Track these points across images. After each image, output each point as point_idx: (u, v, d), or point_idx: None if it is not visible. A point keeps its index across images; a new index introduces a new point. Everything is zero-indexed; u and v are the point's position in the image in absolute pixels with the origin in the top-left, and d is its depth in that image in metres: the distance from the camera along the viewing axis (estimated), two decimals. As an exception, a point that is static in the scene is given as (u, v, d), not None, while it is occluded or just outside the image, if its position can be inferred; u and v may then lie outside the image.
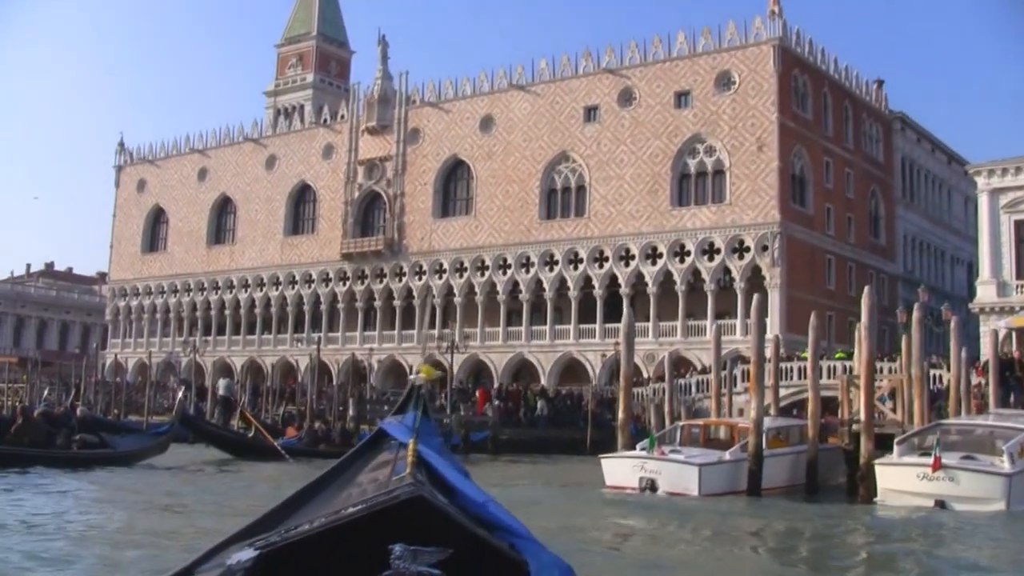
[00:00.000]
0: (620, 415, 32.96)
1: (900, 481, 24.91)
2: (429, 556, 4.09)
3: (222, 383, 56.20)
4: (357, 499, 4.40)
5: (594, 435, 48.61)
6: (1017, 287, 52.05)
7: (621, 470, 27.67)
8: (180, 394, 44.75)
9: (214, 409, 52.57)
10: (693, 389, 53.58)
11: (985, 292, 52.73)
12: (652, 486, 26.47)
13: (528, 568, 4.23)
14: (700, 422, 33.37)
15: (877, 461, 26.15)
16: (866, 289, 30.46)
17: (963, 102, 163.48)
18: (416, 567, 4.05)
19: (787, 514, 23.88)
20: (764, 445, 28.06)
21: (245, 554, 4.18)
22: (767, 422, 29.49)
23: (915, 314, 32.36)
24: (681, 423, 32.89)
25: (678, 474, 26.54)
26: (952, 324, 35.98)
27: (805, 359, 50.69)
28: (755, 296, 31.52)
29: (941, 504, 23.83)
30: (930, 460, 24.03)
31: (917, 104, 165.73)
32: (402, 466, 4.49)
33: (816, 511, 25.05)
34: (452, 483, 4.64)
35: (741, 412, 48.75)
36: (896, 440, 26.84)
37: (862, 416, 28.35)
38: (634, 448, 29.61)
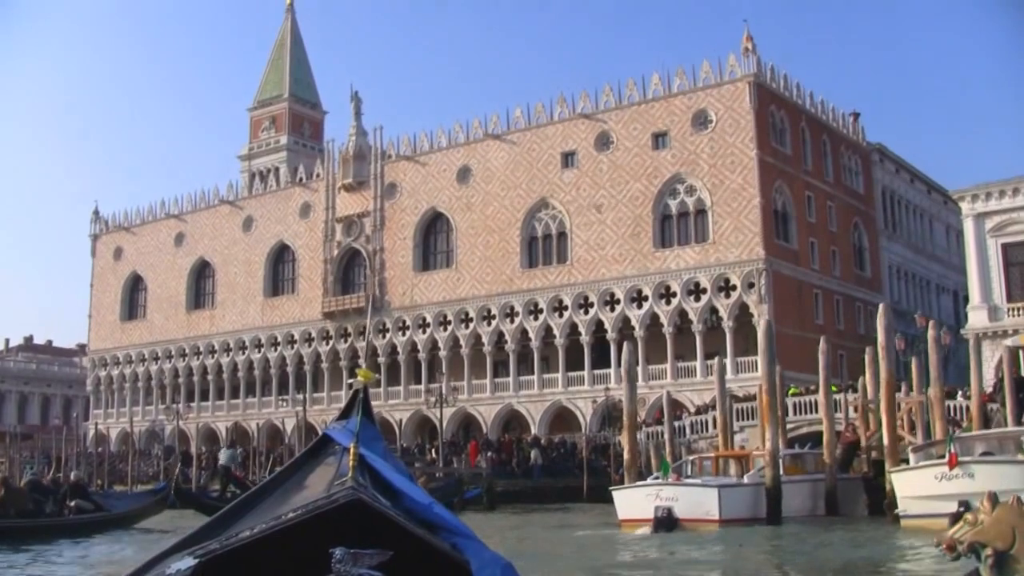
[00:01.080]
0: (626, 455, 32.21)
1: (918, 486, 23.84)
2: (369, 559, 4.09)
3: (224, 454, 54.87)
4: (299, 504, 4.36)
5: (590, 482, 47.82)
6: (1009, 310, 51.51)
7: (635, 501, 26.54)
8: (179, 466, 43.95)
9: (200, 476, 51.43)
10: (688, 430, 52.70)
11: (976, 317, 52.16)
12: (669, 515, 25.13)
13: (470, 566, 4.24)
14: (712, 454, 32.45)
15: (892, 470, 25.31)
16: (881, 307, 29.72)
17: (938, 132, 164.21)
18: (357, 570, 4.03)
19: (816, 538, 22.84)
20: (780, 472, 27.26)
21: (184, 563, 4.14)
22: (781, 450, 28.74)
23: (930, 332, 31.58)
24: (692, 457, 32.33)
25: (697, 499, 25.49)
26: (971, 342, 35.20)
27: (795, 394, 50.35)
28: (762, 322, 30.51)
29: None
30: (946, 460, 23.06)
31: (893, 135, 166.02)
32: (345, 469, 4.48)
33: (847, 537, 23.65)
34: (395, 486, 4.64)
35: (743, 448, 48.25)
36: (911, 448, 26.01)
37: (884, 439, 27.44)
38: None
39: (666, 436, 41.58)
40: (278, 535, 4.24)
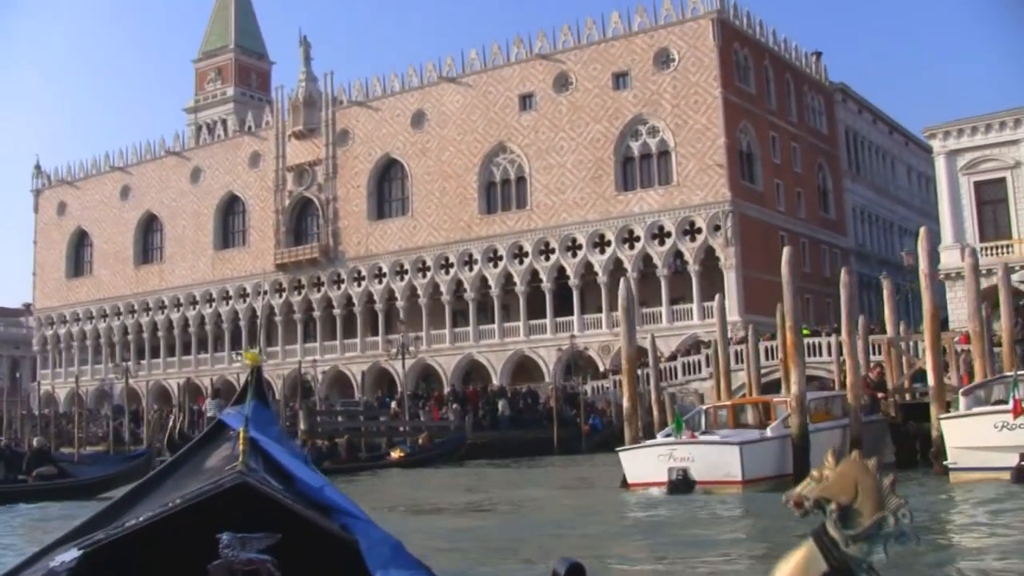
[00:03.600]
0: (625, 403, 28.34)
1: (974, 436, 21.41)
2: (257, 542, 4.01)
3: (211, 403, 52.78)
4: (190, 489, 4.31)
5: (560, 433, 46.40)
6: (982, 250, 50.34)
7: (645, 463, 23.54)
8: (172, 418, 41.98)
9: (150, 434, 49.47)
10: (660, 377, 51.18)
11: (949, 257, 50.89)
12: (684, 477, 22.37)
13: (359, 546, 4.19)
14: (728, 402, 29.32)
15: (942, 417, 23.10)
16: (922, 231, 26.61)
17: (899, 73, 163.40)
18: (245, 554, 3.94)
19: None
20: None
21: (69, 555, 4.03)
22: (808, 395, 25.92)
23: (967, 260, 28.73)
24: (705, 406, 29.30)
25: (716, 458, 22.60)
26: (1000, 272, 32.84)
27: (805, 335, 48.97)
28: (785, 250, 27.03)
29: None
30: (1008, 407, 20.70)
31: (855, 75, 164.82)
32: (237, 453, 4.41)
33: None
34: (288, 469, 4.59)
35: (702, 399, 46.84)
36: (961, 392, 23.77)
37: (930, 380, 25.24)
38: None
39: (652, 382, 39.29)
40: (167, 522, 4.17)
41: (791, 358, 25.32)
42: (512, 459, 41.38)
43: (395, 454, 37.56)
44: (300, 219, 76.17)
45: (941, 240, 53.96)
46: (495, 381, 61.74)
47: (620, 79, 61.73)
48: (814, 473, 3.57)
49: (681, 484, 22.25)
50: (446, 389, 60.94)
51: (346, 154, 72.81)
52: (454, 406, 49.52)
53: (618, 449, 25.42)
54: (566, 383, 55.66)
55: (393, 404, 52.21)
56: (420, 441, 40.51)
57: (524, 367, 64.11)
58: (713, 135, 58.15)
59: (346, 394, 68.07)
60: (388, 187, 72.08)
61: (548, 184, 63.24)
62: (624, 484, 24.17)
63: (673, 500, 21.24)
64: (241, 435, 4.55)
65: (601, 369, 58.73)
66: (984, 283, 46.91)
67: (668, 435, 24.33)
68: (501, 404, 49.99)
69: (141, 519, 4.23)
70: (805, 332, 49.26)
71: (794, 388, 24.39)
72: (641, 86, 60.83)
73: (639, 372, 53.28)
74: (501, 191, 66.06)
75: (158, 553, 4.38)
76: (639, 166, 61.25)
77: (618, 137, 61.17)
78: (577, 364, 59.28)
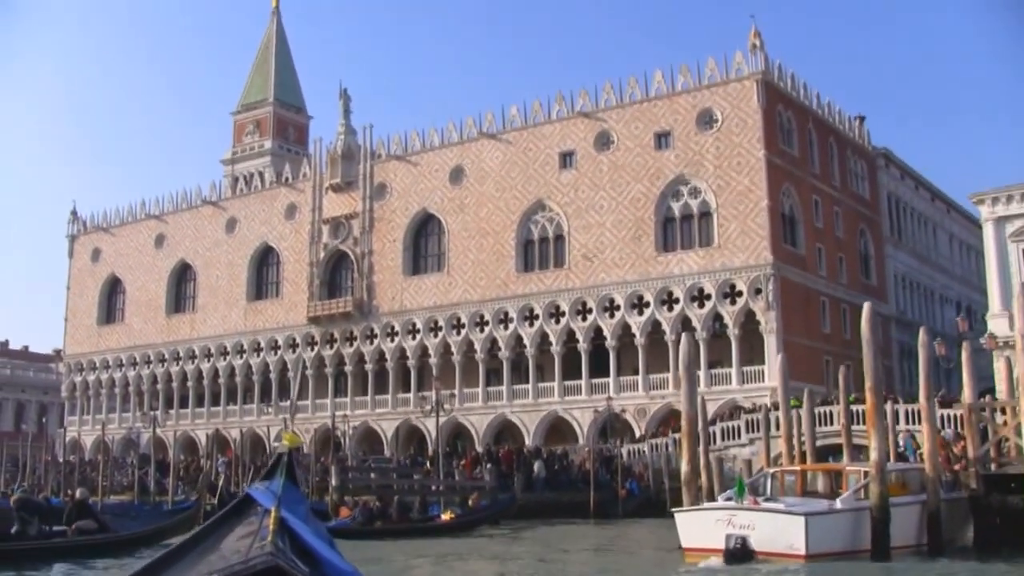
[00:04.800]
0: (684, 466, 26.76)
1: None
2: None
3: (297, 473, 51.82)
4: (218, 566, 4.27)
5: (596, 496, 45.32)
6: (1031, 319, 49.19)
7: (701, 526, 21.94)
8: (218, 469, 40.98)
9: (178, 487, 48.61)
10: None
11: (997, 325, 49.77)
12: (743, 546, 20.70)
13: None
14: (797, 467, 27.71)
15: None
16: (1019, 288, 25.11)
17: (941, 139, 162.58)
18: None
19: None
20: None
21: None
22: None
23: None
24: (772, 469, 27.52)
25: (779, 528, 20.85)
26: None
27: (796, 406, 47.77)
28: (865, 306, 25.14)
29: None
30: None
31: (896, 141, 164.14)
32: (265, 532, 4.43)
33: None
34: (316, 551, 4.51)
35: (748, 464, 45.57)
36: None
37: None
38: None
39: (701, 445, 36.67)
40: None
41: (871, 422, 23.49)
42: (544, 522, 40.25)
43: (445, 516, 36.61)
44: (334, 272, 75.63)
45: (988, 309, 52.90)
46: (527, 441, 60.74)
47: (662, 139, 61.11)
48: None
49: (739, 553, 20.70)
50: (478, 448, 60.03)
51: (383, 208, 72.36)
52: (488, 466, 48.46)
53: (674, 510, 24.04)
54: (601, 446, 54.54)
55: (427, 463, 51.29)
56: (470, 503, 39.61)
57: (557, 428, 63.02)
58: (756, 197, 57.32)
59: (375, 450, 67.18)
60: (425, 242, 71.48)
61: (587, 243, 62.47)
62: (680, 548, 22.86)
63: (733, 571, 19.90)
64: (273, 514, 4.54)
65: (637, 432, 57.66)
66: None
67: (729, 498, 22.77)
68: (537, 465, 48.89)
69: None
70: (852, 400, 48.27)
71: (874, 455, 22.56)
72: (683, 146, 60.18)
73: (674, 437, 52.61)
74: (539, 249, 65.31)
75: None
76: (679, 227, 60.43)
77: (659, 197, 60.45)
78: (613, 427, 58.22)
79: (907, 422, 41.77)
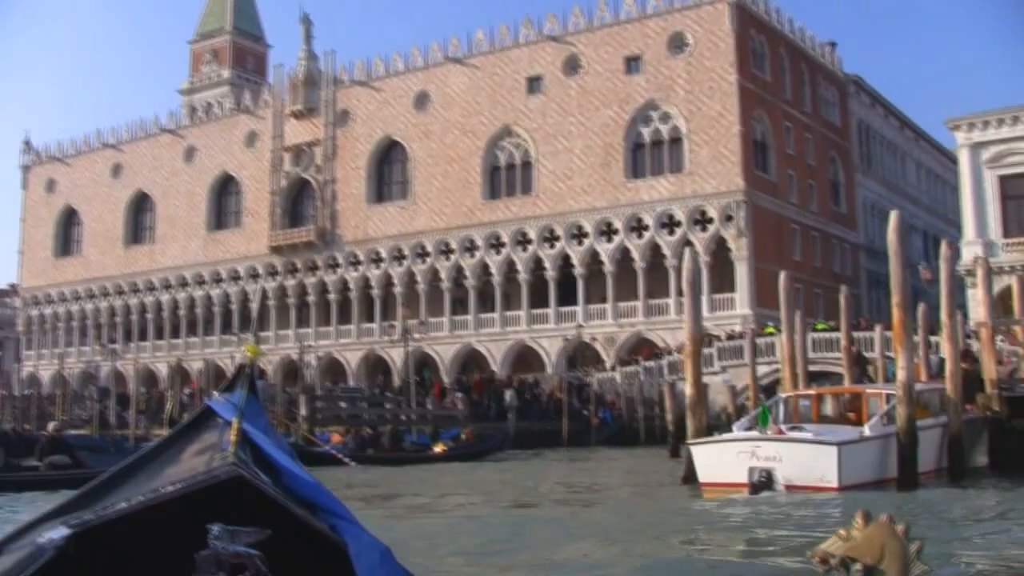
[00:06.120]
0: (689, 390, 24.61)
1: None
2: (247, 536, 3.83)
3: (258, 385, 50.39)
4: (178, 477, 4.07)
5: (570, 426, 44.62)
6: (1005, 246, 48.72)
7: (721, 460, 19.68)
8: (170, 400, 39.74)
9: (139, 419, 47.43)
10: (666, 371, 49.45)
11: (971, 253, 49.15)
12: (768, 480, 18.68)
13: (348, 549, 4.00)
14: (812, 391, 25.80)
15: None
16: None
17: (912, 66, 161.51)
18: (234, 547, 3.77)
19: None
20: None
21: (57, 532, 3.82)
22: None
23: None
24: (785, 394, 25.19)
25: (808, 459, 18.79)
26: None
27: (771, 334, 47.24)
28: (893, 214, 22.56)
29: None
30: None
31: (867, 67, 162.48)
32: (227, 444, 4.17)
33: None
34: (278, 463, 4.31)
35: (732, 389, 44.96)
36: None
37: None
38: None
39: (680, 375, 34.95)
40: (155, 508, 3.90)
41: (898, 339, 21.58)
42: (520, 451, 39.43)
43: (437, 448, 35.89)
44: (296, 201, 74.18)
45: (961, 236, 52.33)
46: (495, 371, 59.95)
47: (632, 63, 59.87)
48: (841, 532, 3.55)
49: (764, 487, 18.71)
50: (443, 377, 59.25)
51: (346, 135, 70.83)
52: (458, 395, 47.60)
53: (689, 442, 21.92)
54: (571, 373, 53.80)
55: (392, 394, 50.36)
56: (463, 436, 39.01)
57: (524, 357, 62.26)
58: (728, 123, 56.34)
59: (340, 381, 66.19)
60: (388, 170, 70.10)
61: (555, 170, 61.38)
62: (685, 481, 21.24)
63: (764, 502, 17.60)
64: (234, 425, 4.27)
65: (606, 361, 56.97)
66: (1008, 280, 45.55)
67: (746, 428, 20.88)
68: (508, 395, 47.98)
69: (132, 502, 3.98)
70: (821, 326, 47.77)
71: (901, 374, 20.57)
72: (654, 71, 58.98)
73: (652, 365, 51.99)
74: (506, 176, 64.14)
75: (142, 538, 4.18)
76: (649, 153, 59.39)
77: (628, 123, 59.33)
78: (582, 355, 57.47)
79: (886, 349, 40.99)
